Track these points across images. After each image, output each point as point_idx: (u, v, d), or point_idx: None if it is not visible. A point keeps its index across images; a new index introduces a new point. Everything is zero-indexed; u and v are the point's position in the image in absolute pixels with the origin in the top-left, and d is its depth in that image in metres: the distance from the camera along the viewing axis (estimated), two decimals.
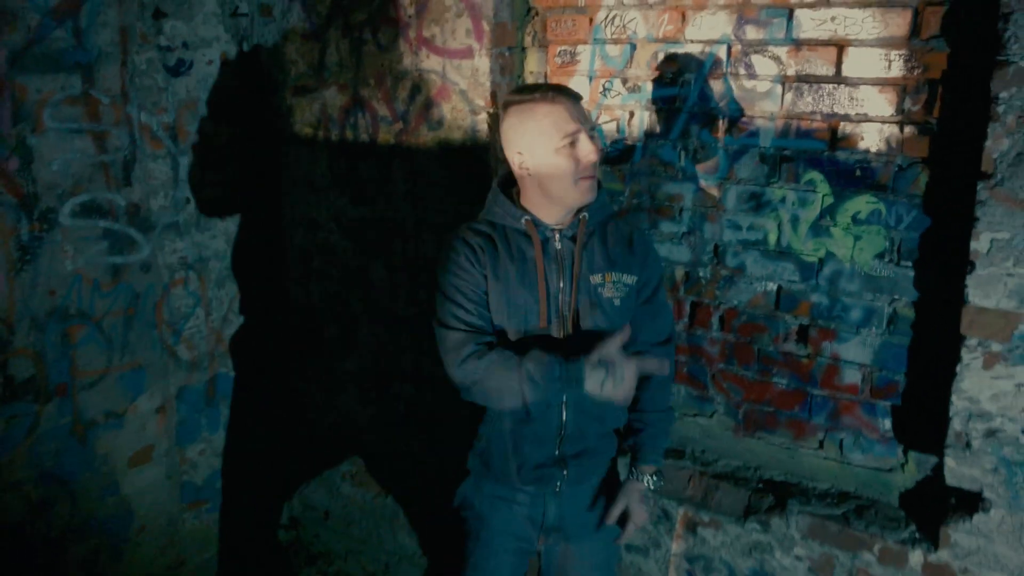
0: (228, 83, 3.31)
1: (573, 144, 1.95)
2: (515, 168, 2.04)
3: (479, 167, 2.88)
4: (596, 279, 2.08)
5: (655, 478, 2.25)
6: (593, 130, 2.03)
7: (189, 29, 3.14)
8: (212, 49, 3.24)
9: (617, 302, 2.09)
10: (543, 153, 1.97)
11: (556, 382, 1.92)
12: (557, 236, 2.06)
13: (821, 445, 2.62)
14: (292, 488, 3.85)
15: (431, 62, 2.88)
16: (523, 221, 2.05)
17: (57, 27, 2.72)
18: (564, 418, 2.12)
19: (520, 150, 2.00)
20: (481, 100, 2.82)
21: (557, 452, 2.15)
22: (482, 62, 2.79)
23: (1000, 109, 1.99)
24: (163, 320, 3.21)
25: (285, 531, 3.87)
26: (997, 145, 2.00)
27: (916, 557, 2.31)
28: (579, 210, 2.08)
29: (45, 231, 2.77)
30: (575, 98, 1.99)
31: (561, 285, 2.05)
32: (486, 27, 2.76)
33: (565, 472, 2.17)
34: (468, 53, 2.81)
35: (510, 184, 2.13)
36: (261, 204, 3.50)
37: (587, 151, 1.96)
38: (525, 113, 1.97)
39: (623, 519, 2.24)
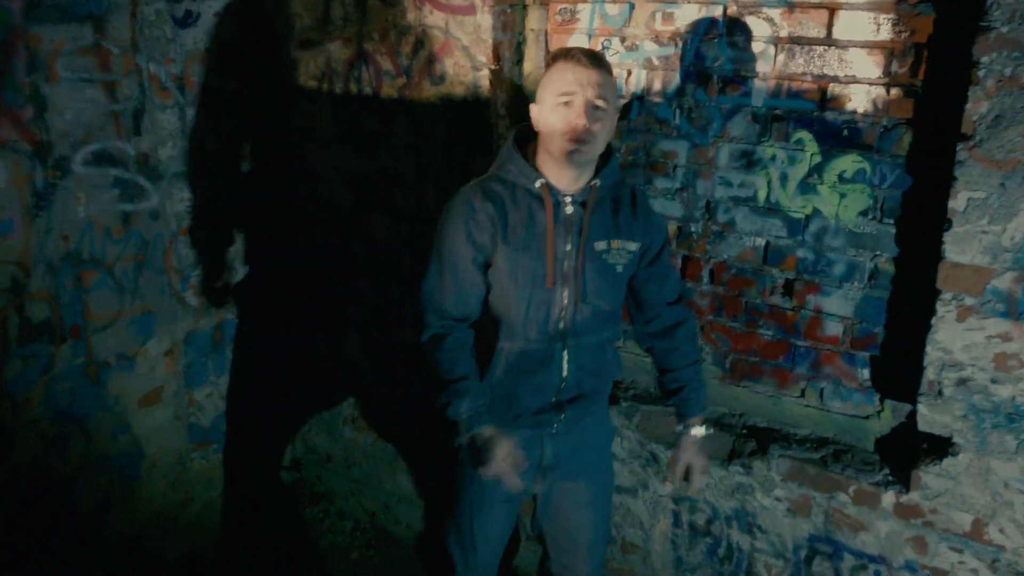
0: (234, 35, 3.29)
1: (567, 104, 1.97)
2: (532, 119, 2.10)
3: (480, 123, 2.89)
4: (601, 245, 2.14)
5: (705, 426, 2.34)
6: (604, 107, 1.99)
7: None
8: (218, 1, 3.22)
9: (619, 268, 2.18)
10: (546, 106, 2.02)
11: (450, 418, 2.16)
12: (569, 201, 2.10)
13: (803, 393, 2.69)
14: (295, 431, 3.93)
15: (434, 18, 2.88)
16: (537, 184, 2.08)
17: None
18: (564, 373, 2.20)
19: (538, 101, 2.07)
20: (483, 56, 2.82)
21: (554, 399, 2.24)
22: (484, 18, 2.78)
23: (981, 73, 2.03)
24: (172, 267, 3.24)
25: (288, 472, 3.97)
26: (977, 108, 2.05)
27: (888, 498, 2.40)
28: (592, 177, 2.12)
29: (58, 178, 2.78)
30: (599, 67, 1.99)
31: (568, 249, 2.11)
32: None
33: (562, 415, 2.26)
34: (471, 9, 2.80)
35: (524, 141, 2.16)
36: (266, 156, 3.50)
37: (573, 116, 1.96)
38: (550, 68, 2.04)
39: (688, 472, 2.34)
